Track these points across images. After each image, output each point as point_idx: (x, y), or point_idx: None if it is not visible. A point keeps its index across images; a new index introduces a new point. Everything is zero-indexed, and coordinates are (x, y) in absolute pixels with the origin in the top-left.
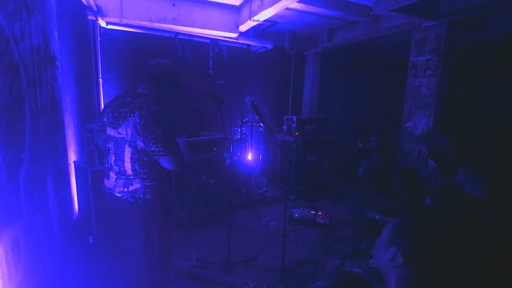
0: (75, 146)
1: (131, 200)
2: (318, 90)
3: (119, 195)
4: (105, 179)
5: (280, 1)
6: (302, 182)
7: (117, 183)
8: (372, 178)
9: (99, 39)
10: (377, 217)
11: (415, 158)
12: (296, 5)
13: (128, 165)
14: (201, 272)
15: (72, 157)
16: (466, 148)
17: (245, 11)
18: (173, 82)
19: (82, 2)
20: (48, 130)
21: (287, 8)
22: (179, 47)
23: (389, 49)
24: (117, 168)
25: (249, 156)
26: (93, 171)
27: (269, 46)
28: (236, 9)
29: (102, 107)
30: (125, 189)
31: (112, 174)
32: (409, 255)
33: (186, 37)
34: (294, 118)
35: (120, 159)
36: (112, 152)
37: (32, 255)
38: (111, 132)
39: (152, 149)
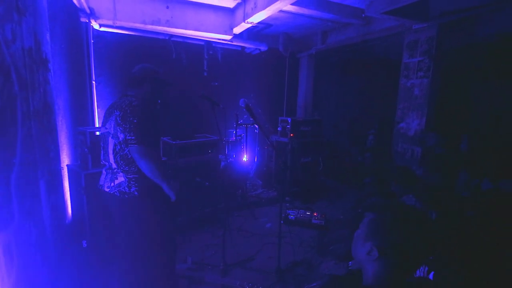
0: (68, 149)
1: (117, 195)
2: (312, 91)
3: (107, 190)
4: (100, 177)
5: (274, 4)
6: (298, 183)
7: (106, 178)
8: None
9: (92, 41)
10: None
11: (409, 159)
12: (289, 8)
13: (111, 158)
14: (197, 274)
15: (65, 160)
16: (458, 148)
17: (239, 14)
18: (154, 82)
19: (74, 4)
20: (41, 134)
21: (281, 11)
22: (174, 49)
23: (382, 51)
24: (106, 163)
25: (244, 158)
26: (86, 174)
27: (263, 48)
28: (230, 11)
29: (96, 109)
30: (112, 184)
31: (103, 171)
32: (383, 250)
33: (180, 39)
34: (289, 119)
35: (106, 153)
36: (101, 147)
37: (25, 260)
38: (101, 130)
39: (126, 137)
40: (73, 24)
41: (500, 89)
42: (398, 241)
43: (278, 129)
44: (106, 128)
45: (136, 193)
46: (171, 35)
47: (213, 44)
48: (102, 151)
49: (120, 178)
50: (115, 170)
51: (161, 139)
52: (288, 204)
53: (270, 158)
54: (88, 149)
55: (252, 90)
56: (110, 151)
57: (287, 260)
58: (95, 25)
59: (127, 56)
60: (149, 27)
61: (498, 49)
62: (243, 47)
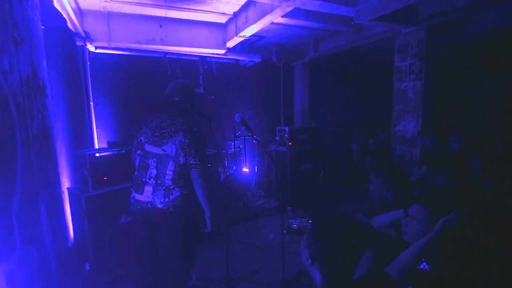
0: (68, 172)
1: (172, 210)
2: (308, 99)
3: (160, 206)
4: (136, 194)
5: (264, 17)
6: (299, 192)
7: (157, 195)
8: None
9: (88, 63)
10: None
11: (408, 161)
12: (280, 19)
13: (169, 178)
14: None
15: (65, 183)
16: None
17: (231, 28)
18: (195, 102)
19: (69, 29)
20: (40, 159)
21: (272, 23)
22: (169, 66)
23: (374, 55)
24: (155, 181)
25: (244, 169)
26: (87, 196)
27: (257, 59)
28: (223, 26)
29: (95, 130)
30: (166, 199)
31: (147, 188)
32: (313, 256)
33: (175, 56)
34: (286, 128)
35: (162, 173)
36: (153, 167)
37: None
38: (152, 149)
39: (190, 162)
40: (69, 48)
41: (491, 86)
42: (323, 248)
43: (276, 138)
44: (164, 151)
45: (186, 206)
46: (166, 53)
47: (208, 59)
48: (153, 171)
49: (176, 193)
50: (170, 187)
51: None
52: (290, 213)
53: (270, 168)
54: (88, 172)
55: (248, 101)
56: (169, 172)
57: (292, 270)
58: (90, 47)
59: (124, 76)
60: (144, 46)
61: (487, 47)
62: (237, 60)
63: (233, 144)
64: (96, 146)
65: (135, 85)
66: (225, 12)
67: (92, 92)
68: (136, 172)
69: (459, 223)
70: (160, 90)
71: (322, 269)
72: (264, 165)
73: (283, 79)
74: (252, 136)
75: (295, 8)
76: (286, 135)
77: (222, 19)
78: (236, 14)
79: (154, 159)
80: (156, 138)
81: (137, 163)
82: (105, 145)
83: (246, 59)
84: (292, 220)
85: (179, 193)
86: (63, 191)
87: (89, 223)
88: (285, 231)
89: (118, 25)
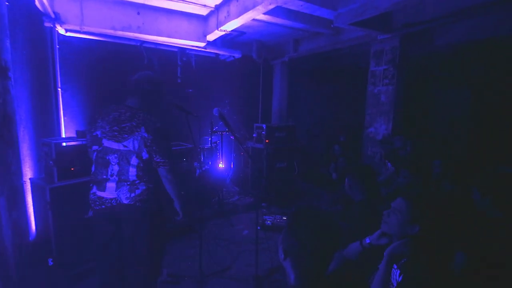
0: (31, 162)
1: (139, 205)
2: (286, 98)
3: (126, 201)
4: (98, 191)
5: (246, 13)
6: (274, 189)
7: (121, 190)
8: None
9: (57, 47)
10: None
11: (378, 162)
12: (262, 17)
13: (132, 174)
14: (174, 287)
15: (28, 173)
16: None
17: (212, 21)
18: (162, 97)
19: (38, 8)
20: (0, 147)
21: (254, 19)
22: (145, 56)
23: (351, 59)
24: (118, 177)
25: (220, 165)
26: (51, 188)
27: (237, 55)
28: (203, 19)
29: (62, 118)
30: (132, 194)
31: (110, 184)
32: (285, 252)
33: (153, 46)
34: (264, 126)
35: (124, 169)
36: (114, 163)
37: None
38: (112, 145)
39: (156, 160)
40: (36, 29)
41: (454, 94)
42: (295, 243)
43: (254, 135)
44: (125, 147)
45: (152, 201)
46: (143, 41)
47: (187, 51)
48: (115, 167)
49: (141, 188)
50: (136, 182)
51: None
52: (264, 210)
53: (247, 164)
54: (53, 162)
55: (227, 97)
56: (132, 168)
57: (265, 266)
58: (60, 30)
59: (96, 62)
60: (119, 33)
61: (452, 58)
62: (217, 54)
63: (210, 139)
64: (63, 135)
65: (108, 73)
66: (207, 4)
67: (60, 77)
68: (93, 168)
69: (406, 252)
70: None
71: (293, 265)
72: (240, 162)
73: (262, 77)
74: (230, 132)
75: (278, 7)
76: (263, 133)
77: (203, 11)
78: (218, 7)
79: (115, 155)
80: (116, 133)
81: (94, 159)
82: (73, 135)
83: (226, 54)
84: (266, 216)
85: (145, 187)
86: (25, 181)
87: (53, 216)
88: (259, 228)
89: (92, 8)
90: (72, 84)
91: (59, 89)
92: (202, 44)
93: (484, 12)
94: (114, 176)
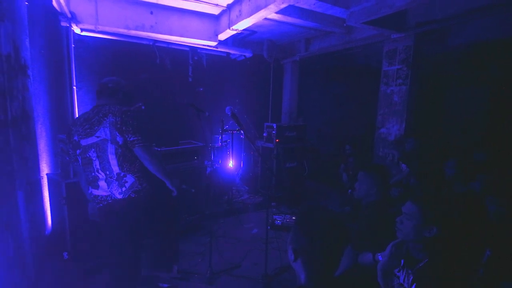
0: (48, 158)
1: (133, 196)
2: (296, 97)
3: (120, 196)
4: (93, 190)
5: (258, 12)
6: (283, 188)
7: (112, 187)
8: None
9: (73, 46)
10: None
11: (389, 163)
12: (274, 16)
13: (114, 163)
14: (183, 283)
15: (44, 169)
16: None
17: (224, 20)
18: (124, 95)
19: (55, 8)
20: (19, 142)
21: (265, 18)
22: (158, 55)
23: (363, 58)
24: (104, 174)
25: (230, 164)
26: (67, 183)
27: (248, 54)
28: (215, 18)
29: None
30: (123, 188)
31: (101, 183)
32: (296, 252)
33: (165, 45)
34: (274, 125)
35: (105, 160)
36: (94, 158)
37: (2, 275)
38: (88, 141)
39: (130, 140)
40: (53, 28)
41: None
42: (305, 243)
43: (264, 134)
44: (98, 137)
45: (147, 188)
46: (155, 41)
47: (198, 50)
48: (96, 161)
49: (130, 179)
50: (121, 175)
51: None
52: (274, 209)
53: (256, 164)
54: (69, 157)
55: (237, 96)
56: (112, 157)
57: (274, 265)
58: (76, 29)
59: (110, 61)
60: (133, 32)
61: (466, 58)
62: (228, 53)
63: (220, 138)
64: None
65: (121, 72)
66: (219, 3)
67: (75, 76)
68: (82, 171)
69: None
70: (147, 78)
71: (304, 265)
72: (250, 161)
73: (273, 76)
74: (242, 130)
75: (290, 5)
76: (273, 132)
77: (215, 11)
78: (229, 7)
79: (93, 150)
80: (88, 130)
81: (80, 162)
82: None
83: (237, 53)
84: (276, 216)
85: (134, 178)
86: (42, 176)
87: (69, 211)
88: (268, 227)
89: (106, 8)
90: (87, 82)
91: (74, 87)
92: (214, 43)
93: (499, 12)
94: (100, 171)
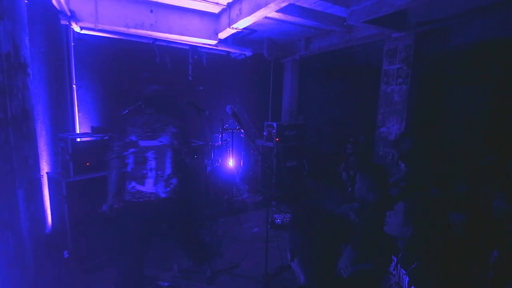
0: (48, 156)
1: (173, 197)
2: (296, 96)
3: (164, 195)
4: (137, 186)
5: (259, 10)
6: (283, 187)
7: (159, 186)
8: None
9: (72, 44)
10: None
11: (389, 162)
12: (274, 14)
13: (168, 166)
14: (183, 282)
15: (44, 168)
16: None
17: (224, 19)
18: (170, 101)
19: (54, 6)
20: (19, 141)
21: (266, 17)
22: (157, 53)
23: (363, 57)
24: (156, 173)
25: (230, 163)
26: (67, 182)
27: (248, 53)
28: (215, 16)
29: (77, 114)
30: (168, 189)
31: (149, 181)
32: (293, 252)
33: (165, 43)
34: (274, 124)
35: (162, 162)
36: (151, 158)
37: (2, 274)
38: (148, 143)
39: (184, 150)
40: (53, 27)
41: (470, 95)
42: (301, 243)
43: (264, 133)
44: (160, 142)
45: (179, 192)
46: (155, 39)
47: (198, 49)
48: (153, 162)
49: (174, 182)
50: (170, 176)
51: None
52: (274, 208)
53: (256, 163)
54: (69, 156)
55: (237, 95)
56: (168, 160)
57: (274, 265)
58: (75, 27)
59: (110, 60)
60: (133, 30)
61: (467, 57)
62: (228, 52)
63: (220, 136)
64: (78, 131)
65: (121, 70)
66: (219, 2)
67: (75, 74)
68: (131, 167)
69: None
70: (148, 77)
71: (301, 265)
72: (250, 160)
73: (273, 75)
74: (242, 129)
75: (290, 4)
76: (273, 131)
77: (215, 9)
78: (230, 5)
79: (152, 152)
80: (149, 134)
81: (131, 159)
82: (87, 130)
83: (237, 51)
84: (276, 215)
85: (176, 181)
86: (42, 175)
87: (69, 210)
88: (268, 226)
89: (106, 6)
90: (86, 81)
91: (74, 86)
92: (214, 42)
93: (499, 11)
94: (153, 171)
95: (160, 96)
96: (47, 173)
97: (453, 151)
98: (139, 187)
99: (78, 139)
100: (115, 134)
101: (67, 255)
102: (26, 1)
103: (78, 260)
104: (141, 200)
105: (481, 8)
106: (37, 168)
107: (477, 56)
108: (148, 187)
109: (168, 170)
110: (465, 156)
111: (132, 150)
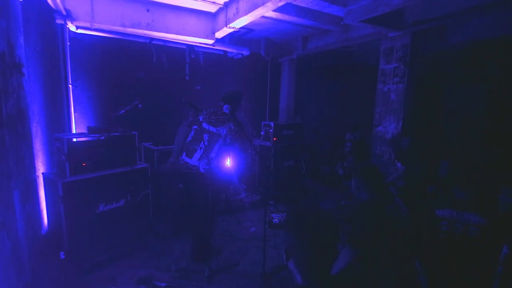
0: (44, 157)
1: (208, 175)
2: (294, 95)
3: (203, 170)
4: (187, 158)
5: (255, 10)
6: (281, 187)
7: (201, 162)
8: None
9: (68, 43)
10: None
11: (386, 161)
12: (271, 14)
13: (214, 151)
14: (182, 282)
15: (40, 168)
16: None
17: (221, 18)
18: (240, 102)
19: (50, 5)
20: (14, 141)
21: (263, 16)
22: (154, 53)
23: (360, 57)
24: (203, 151)
25: (228, 162)
26: (63, 182)
27: (245, 52)
28: (212, 16)
29: (72, 114)
30: (207, 167)
31: (196, 155)
32: (288, 253)
33: (161, 43)
34: (272, 124)
35: (211, 146)
36: (206, 140)
37: None
38: (208, 128)
39: (235, 144)
40: (48, 26)
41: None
42: (296, 243)
43: (261, 133)
44: (217, 131)
45: (213, 174)
46: (152, 38)
47: (195, 48)
48: (203, 143)
49: (212, 164)
50: (212, 158)
51: (142, 144)
52: (272, 208)
53: (254, 162)
54: (65, 157)
55: None
56: (216, 146)
57: (272, 263)
58: (71, 27)
59: (106, 59)
60: (129, 30)
61: (464, 56)
62: (225, 51)
63: None
64: (74, 131)
65: (117, 70)
66: (216, 1)
67: (71, 74)
68: (189, 140)
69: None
70: (144, 77)
71: (296, 265)
72: (248, 159)
73: (270, 74)
74: (241, 129)
75: (287, 3)
76: (271, 130)
77: (212, 8)
78: (226, 4)
79: (207, 135)
80: (213, 121)
81: (191, 135)
82: (83, 130)
83: (235, 51)
84: (274, 214)
85: (213, 165)
86: (38, 176)
87: (65, 210)
88: (266, 225)
89: (102, 5)
90: (82, 80)
91: (70, 86)
92: (211, 41)
93: (496, 10)
94: (202, 150)
95: (236, 97)
96: (43, 173)
97: (450, 150)
98: (187, 159)
99: (74, 139)
100: (193, 111)
101: (63, 256)
102: (21, 0)
103: (75, 260)
104: (187, 171)
105: (479, 6)
106: (33, 169)
107: (474, 55)
108: (194, 160)
109: (212, 154)
110: (462, 155)
111: (195, 126)
